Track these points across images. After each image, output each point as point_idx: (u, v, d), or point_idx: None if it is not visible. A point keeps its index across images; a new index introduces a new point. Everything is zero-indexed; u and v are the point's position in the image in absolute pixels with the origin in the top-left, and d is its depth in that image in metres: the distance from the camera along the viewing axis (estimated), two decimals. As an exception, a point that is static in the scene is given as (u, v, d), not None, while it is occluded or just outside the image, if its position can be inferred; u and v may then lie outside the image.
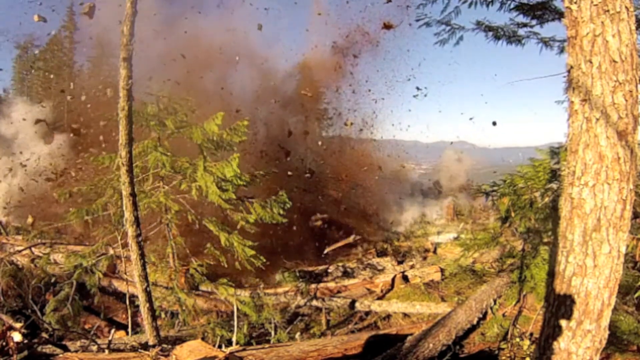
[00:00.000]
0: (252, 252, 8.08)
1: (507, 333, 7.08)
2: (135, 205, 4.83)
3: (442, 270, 11.66)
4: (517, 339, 6.93)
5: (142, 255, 4.90)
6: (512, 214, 6.85)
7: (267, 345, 5.91)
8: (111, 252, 8.62)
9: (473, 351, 6.80)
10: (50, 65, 23.94)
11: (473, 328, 7.07)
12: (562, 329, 2.51)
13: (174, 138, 8.73)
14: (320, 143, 20.45)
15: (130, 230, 4.81)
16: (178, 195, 8.61)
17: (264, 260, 8.23)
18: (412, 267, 12.56)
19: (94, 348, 6.12)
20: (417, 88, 20.27)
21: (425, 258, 13.78)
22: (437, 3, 5.62)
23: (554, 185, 6.62)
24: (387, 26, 15.47)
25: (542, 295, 7.03)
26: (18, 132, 19.17)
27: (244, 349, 5.51)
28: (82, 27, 23.54)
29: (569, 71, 2.51)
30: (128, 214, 4.78)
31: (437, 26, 5.87)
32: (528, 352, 6.56)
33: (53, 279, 9.68)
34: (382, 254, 14.53)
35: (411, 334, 6.42)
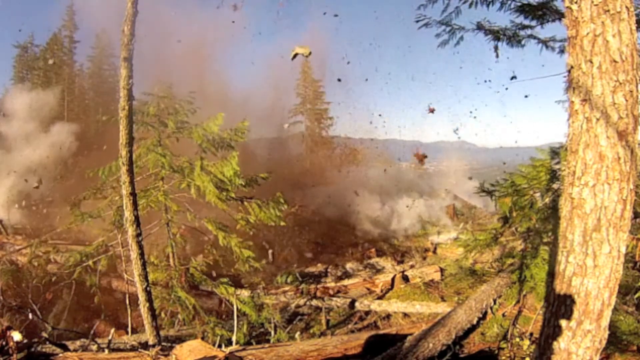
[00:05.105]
0: (250, 253, 8.07)
1: (507, 333, 7.08)
2: (135, 205, 4.83)
3: (442, 270, 11.66)
4: (517, 339, 6.93)
5: (142, 255, 4.90)
6: (514, 214, 6.84)
7: (267, 345, 5.90)
8: (111, 251, 8.62)
9: (473, 351, 6.79)
10: (51, 64, 23.90)
11: (473, 328, 7.06)
12: (562, 329, 2.50)
13: (175, 138, 8.73)
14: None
15: (130, 230, 4.81)
16: (177, 195, 8.60)
17: (261, 267, 8.28)
18: (412, 267, 12.57)
19: (94, 347, 6.11)
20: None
21: (425, 258, 13.79)
22: (437, 3, 5.57)
23: (555, 185, 6.61)
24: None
25: (542, 295, 7.02)
26: (18, 132, 19.13)
27: (243, 349, 5.50)
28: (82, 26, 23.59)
29: (569, 71, 2.51)
30: (128, 214, 4.79)
31: (438, 27, 5.83)
32: (528, 352, 6.56)
33: (53, 279, 9.67)
34: (381, 253, 14.54)
35: (411, 334, 6.41)
